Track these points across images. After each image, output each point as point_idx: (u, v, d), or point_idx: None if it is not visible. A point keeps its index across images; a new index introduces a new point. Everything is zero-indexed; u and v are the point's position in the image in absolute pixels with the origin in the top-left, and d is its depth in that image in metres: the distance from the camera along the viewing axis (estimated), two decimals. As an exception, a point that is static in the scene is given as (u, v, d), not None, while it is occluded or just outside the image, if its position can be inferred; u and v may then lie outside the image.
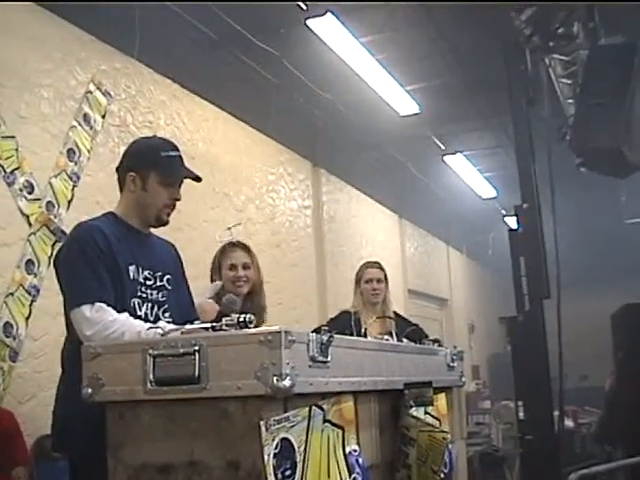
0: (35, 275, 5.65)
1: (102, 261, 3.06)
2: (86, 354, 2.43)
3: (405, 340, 3.99)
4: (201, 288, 4.12)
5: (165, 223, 3.37)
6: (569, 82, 8.42)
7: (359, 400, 2.56)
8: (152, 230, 3.43)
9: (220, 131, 8.28)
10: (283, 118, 9.29)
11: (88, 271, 3.03)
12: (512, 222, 7.90)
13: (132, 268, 3.16)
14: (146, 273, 3.22)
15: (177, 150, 3.38)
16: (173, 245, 3.66)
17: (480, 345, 16.41)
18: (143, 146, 3.49)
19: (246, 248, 4.70)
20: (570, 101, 8.45)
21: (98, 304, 2.94)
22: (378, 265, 5.82)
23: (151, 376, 2.24)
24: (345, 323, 5.28)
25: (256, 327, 2.29)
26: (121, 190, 3.36)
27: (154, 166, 3.27)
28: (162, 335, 2.55)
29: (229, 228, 4.26)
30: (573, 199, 12.14)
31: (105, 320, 2.91)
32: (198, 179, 3.40)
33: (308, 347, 2.20)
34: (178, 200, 3.34)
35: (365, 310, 5.62)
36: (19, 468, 4.83)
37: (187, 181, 3.38)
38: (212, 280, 4.55)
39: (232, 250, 4.67)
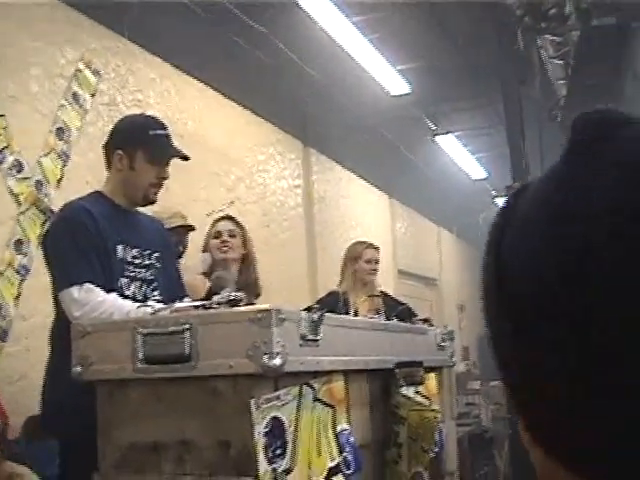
0: (25, 255, 5.63)
1: (89, 241, 3.05)
2: (75, 333, 2.42)
3: (395, 319, 3.98)
4: (190, 265, 4.12)
5: (152, 202, 3.36)
6: (561, 63, 8.41)
7: (350, 379, 2.56)
8: (141, 209, 3.42)
9: (210, 110, 8.24)
10: (274, 98, 9.26)
11: (75, 252, 3.02)
12: (502, 203, 7.90)
13: (120, 247, 3.15)
14: (134, 252, 3.21)
15: (165, 128, 3.36)
16: (161, 222, 3.65)
17: (470, 326, 16.43)
18: (131, 124, 3.47)
19: (233, 219, 4.72)
20: (562, 82, 8.45)
21: (86, 285, 2.94)
22: (375, 246, 5.83)
23: (140, 354, 2.24)
24: (334, 303, 5.28)
25: (250, 302, 2.29)
26: (108, 168, 3.35)
27: (142, 144, 3.26)
28: (152, 314, 2.55)
29: (221, 210, 4.27)
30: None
31: (94, 301, 2.90)
32: (186, 158, 3.39)
33: (299, 326, 2.20)
34: (166, 179, 3.33)
35: (354, 290, 5.61)
36: None
37: (176, 160, 3.37)
38: None
39: (219, 221, 4.70)
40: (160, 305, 2.79)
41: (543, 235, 0.62)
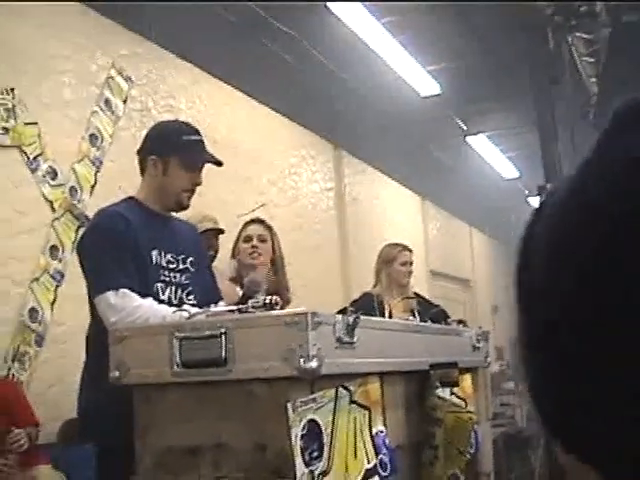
0: (60, 260, 5.67)
1: (125, 247, 3.07)
2: (113, 338, 2.44)
3: (429, 321, 3.97)
4: (220, 269, 4.13)
5: (186, 207, 3.38)
6: (592, 60, 8.35)
7: (385, 381, 2.56)
8: (174, 213, 3.44)
9: (241, 114, 8.27)
10: (304, 101, 9.28)
11: (111, 258, 3.04)
12: (535, 202, 7.86)
13: (154, 252, 3.17)
14: (169, 257, 3.22)
15: (199, 134, 3.38)
16: (195, 227, 3.67)
17: (504, 326, 16.33)
18: (165, 130, 3.49)
19: (264, 223, 4.69)
20: (593, 80, 8.39)
21: (122, 290, 2.95)
22: (410, 248, 5.82)
23: (177, 359, 2.25)
24: (368, 305, 5.26)
25: (281, 308, 2.30)
26: (142, 174, 3.37)
27: (176, 150, 3.27)
28: (188, 318, 2.56)
29: (253, 211, 4.26)
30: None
31: (130, 306, 2.92)
32: (219, 164, 3.40)
33: (334, 328, 2.20)
34: (199, 185, 3.34)
35: (389, 292, 5.61)
36: (28, 429, 4.77)
37: (209, 165, 3.38)
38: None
39: (250, 224, 4.67)
40: (196, 309, 2.81)
41: (567, 226, 0.61)
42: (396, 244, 5.90)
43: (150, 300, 2.99)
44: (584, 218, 0.59)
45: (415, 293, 5.74)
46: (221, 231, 5.22)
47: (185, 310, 2.83)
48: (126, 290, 2.96)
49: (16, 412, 4.82)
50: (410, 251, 5.77)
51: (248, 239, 4.55)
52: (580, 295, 0.59)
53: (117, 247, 3.06)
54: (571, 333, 0.60)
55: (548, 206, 0.66)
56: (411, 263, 5.69)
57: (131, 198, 3.36)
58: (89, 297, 3.13)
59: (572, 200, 0.62)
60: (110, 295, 2.95)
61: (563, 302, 0.60)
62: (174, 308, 2.96)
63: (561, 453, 0.65)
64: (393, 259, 5.67)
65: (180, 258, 3.29)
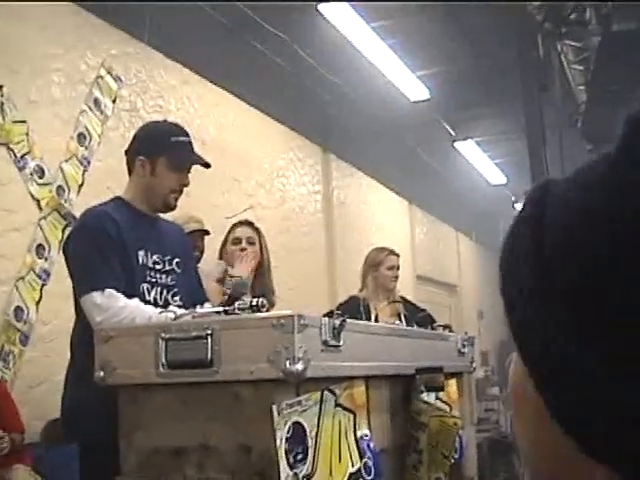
0: (46, 259, 5.66)
1: (111, 247, 3.06)
2: (98, 337, 2.44)
3: (415, 326, 3.98)
4: (206, 270, 4.12)
5: (173, 208, 3.38)
6: (581, 68, 8.40)
7: (370, 385, 2.56)
8: (161, 214, 3.44)
9: (230, 116, 8.27)
10: (294, 104, 9.29)
11: (97, 258, 3.04)
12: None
13: (141, 253, 3.17)
14: (155, 257, 3.22)
15: (187, 135, 3.38)
16: (181, 228, 3.67)
17: (489, 332, 16.38)
18: (153, 131, 3.49)
19: (252, 225, 4.68)
20: (582, 88, 8.43)
21: (108, 290, 2.95)
22: (397, 253, 5.82)
23: (163, 359, 2.25)
24: (354, 309, 5.27)
25: (266, 311, 2.30)
26: (129, 174, 3.37)
27: (164, 151, 3.27)
28: (174, 319, 2.56)
29: (242, 212, 4.25)
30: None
31: (115, 306, 2.92)
32: (207, 165, 3.40)
33: (321, 331, 2.20)
34: (186, 186, 3.34)
35: (375, 295, 5.61)
36: (12, 435, 4.77)
37: (197, 167, 3.39)
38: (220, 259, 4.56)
39: (238, 226, 4.66)
40: (182, 310, 2.81)
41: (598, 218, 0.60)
42: (383, 248, 5.90)
43: (136, 301, 2.99)
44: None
45: (402, 297, 5.75)
46: (207, 232, 5.21)
47: (171, 311, 2.83)
48: (112, 290, 2.96)
49: (3, 415, 4.80)
50: (397, 255, 5.78)
51: (237, 241, 4.54)
52: (581, 296, 0.59)
53: (103, 247, 3.06)
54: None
55: (559, 191, 0.66)
56: (398, 267, 5.70)
57: (118, 198, 3.35)
58: (75, 297, 3.13)
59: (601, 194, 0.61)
60: (96, 295, 2.95)
61: (565, 303, 0.60)
62: (160, 309, 2.96)
63: (558, 446, 0.64)
64: (380, 263, 5.68)
65: (166, 259, 3.29)
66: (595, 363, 0.59)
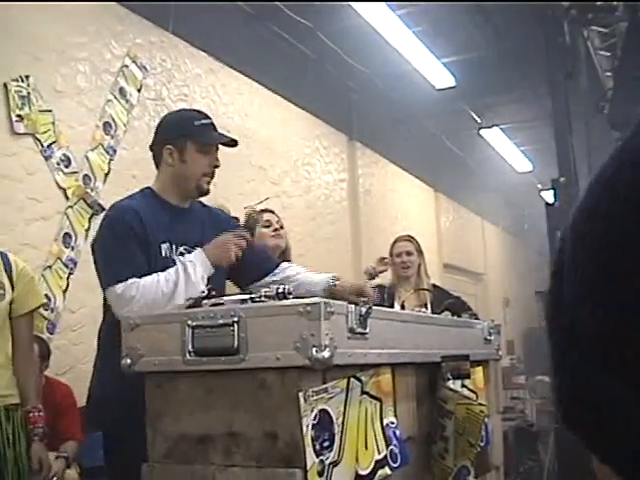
0: (72, 248, 5.69)
1: (134, 241, 3.08)
2: (125, 325, 2.45)
3: (446, 312, 3.97)
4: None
5: (207, 192, 3.38)
6: (608, 55, 8.33)
7: (397, 372, 2.56)
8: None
9: (255, 104, 8.26)
10: (318, 91, 9.27)
11: (121, 252, 3.07)
12: (548, 196, 7.84)
13: (165, 246, 3.18)
14: (181, 249, 3.22)
15: (208, 118, 3.39)
16: (222, 212, 3.69)
17: (515, 320, 16.33)
18: (175, 118, 3.50)
19: (274, 213, 4.74)
20: (608, 74, 8.37)
21: (130, 281, 2.97)
22: (407, 238, 5.79)
23: (190, 347, 2.25)
24: (380, 296, 5.28)
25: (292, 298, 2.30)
26: (157, 166, 3.37)
27: (190, 135, 3.28)
28: (184, 269, 2.64)
29: (260, 202, 4.27)
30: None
31: (133, 296, 2.95)
32: (234, 142, 3.40)
33: (347, 319, 2.20)
34: (217, 167, 3.35)
35: (399, 284, 5.61)
36: (69, 443, 4.80)
37: (222, 155, 3.38)
38: None
39: (264, 212, 4.69)
40: (189, 255, 2.99)
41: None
42: (397, 237, 5.92)
43: (144, 281, 3.01)
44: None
45: (433, 285, 5.73)
46: (236, 219, 5.23)
47: (180, 260, 3.00)
48: (132, 280, 2.98)
49: (64, 422, 4.83)
50: (405, 240, 5.75)
51: (268, 224, 4.58)
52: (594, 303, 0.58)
53: (126, 242, 3.08)
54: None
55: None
56: (408, 253, 5.65)
57: (148, 188, 3.36)
58: (103, 292, 3.16)
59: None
60: (118, 287, 2.97)
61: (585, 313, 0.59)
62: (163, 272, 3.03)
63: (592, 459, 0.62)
64: (391, 252, 5.71)
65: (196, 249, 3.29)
66: None
